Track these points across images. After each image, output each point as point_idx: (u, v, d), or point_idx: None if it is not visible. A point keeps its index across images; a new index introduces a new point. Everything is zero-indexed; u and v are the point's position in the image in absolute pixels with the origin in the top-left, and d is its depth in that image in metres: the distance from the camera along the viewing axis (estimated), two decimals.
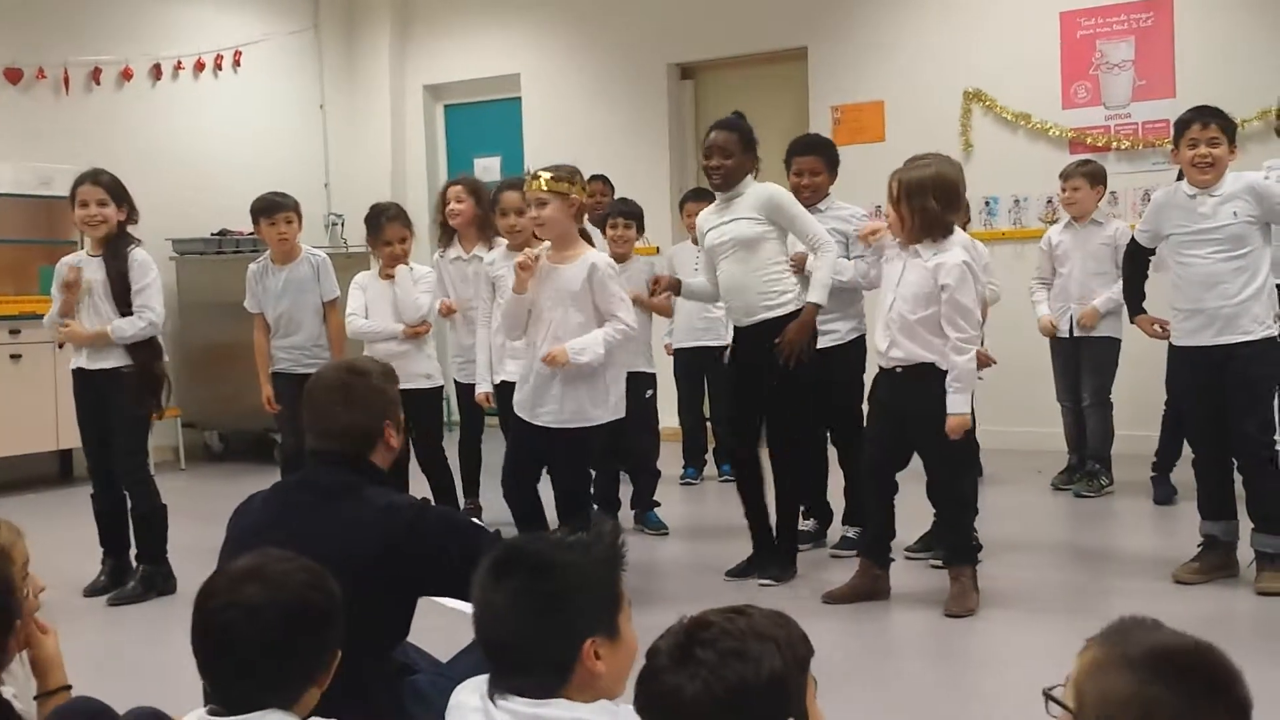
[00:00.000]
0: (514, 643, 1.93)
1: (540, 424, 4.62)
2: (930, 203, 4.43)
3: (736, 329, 5.08)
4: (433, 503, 5.62)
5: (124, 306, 5.05)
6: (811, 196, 5.31)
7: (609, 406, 4.64)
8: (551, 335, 4.57)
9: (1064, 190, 6.49)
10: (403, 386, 5.46)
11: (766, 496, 5.04)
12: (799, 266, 5.19)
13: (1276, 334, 4.60)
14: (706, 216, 5.09)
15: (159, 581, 5.11)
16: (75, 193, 5.08)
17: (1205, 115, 4.64)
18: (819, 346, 5.11)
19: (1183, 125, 4.69)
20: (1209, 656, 1.47)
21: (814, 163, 5.37)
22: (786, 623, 1.68)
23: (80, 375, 5.16)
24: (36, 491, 7.61)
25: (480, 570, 2.00)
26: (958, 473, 4.62)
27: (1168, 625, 1.55)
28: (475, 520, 2.94)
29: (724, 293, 5.01)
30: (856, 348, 5.39)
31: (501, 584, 1.95)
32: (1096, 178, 6.46)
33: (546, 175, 4.58)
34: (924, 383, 4.46)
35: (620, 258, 5.96)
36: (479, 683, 2.00)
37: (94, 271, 5.09)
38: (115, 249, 5.09)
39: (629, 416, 5.20)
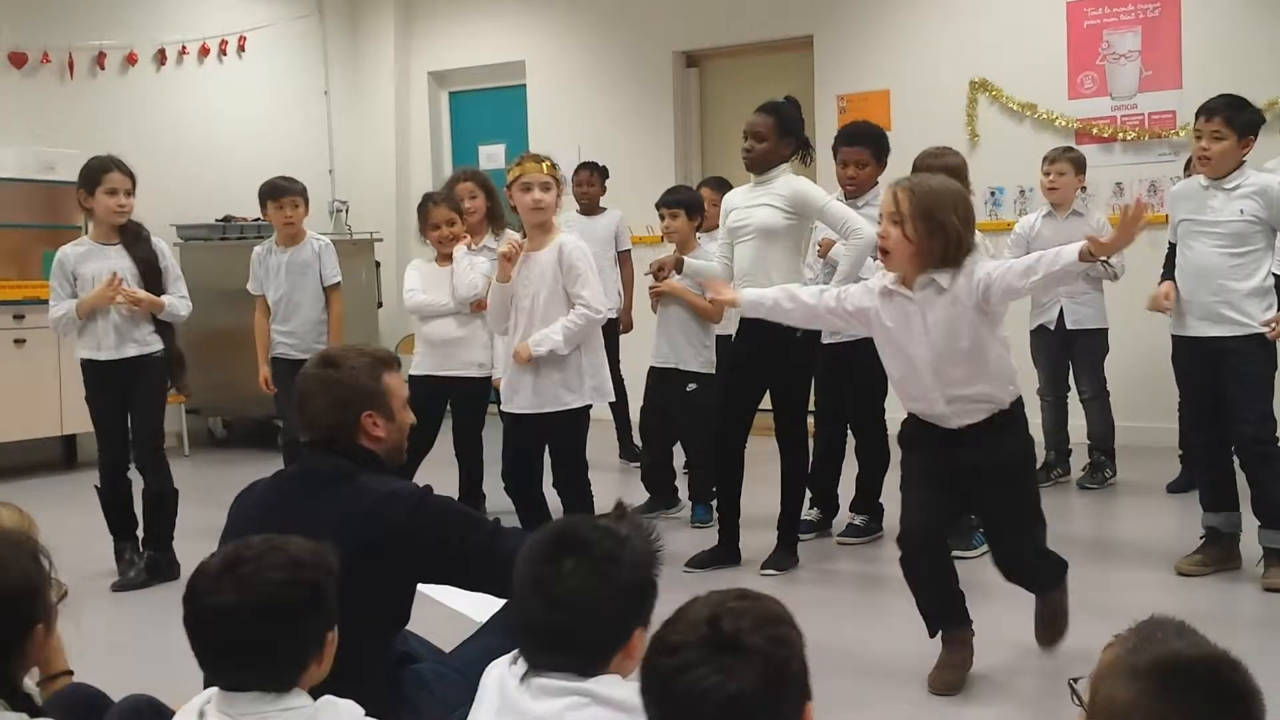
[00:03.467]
0: (568, 623, 1.93)
1: (514, 411, 4.71)
2: (952, 219, 3.49)
3: (741, 317, 5.07)
4: (459, 490, 5.71)
5: (151, 292, 5.08)
6: (855, 190, 5.30)
7: (583, 391, 4.67)
8: (526, 322, 4.65)
9: (1048, 174, 6.27)
10: (453, 373, 5.58)
11: (741, 491, 5.06)
12: (824, 251, 5.21)
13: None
14: (735, 196, 5.06)
15: (164, 568, 5.12)
16: (102, 178, 5.01)
17: (1209, 108, 4.59)
18: (834, 340, 5.14)
19: (1196, 114, 4.67)
20: (1221, 672, 1.44)
21: (859, 154, 5.30)
22: (781, 604, 1.69)
23: (104, 367, 5.08)
24: (40, 477, 7.62)
25: (535, 545, 2.01)
26: (1034, 528, 3.80)
27: (1190, 626, 1.53)
28: (475, 511, 2.92)
29: (736, 276, 5.00)
30: (871, 342, 5.37)
31: (565, 562, 1.95)
32: (1080, 165, 6.31)
33: (548, 162, 4.69)
34: (993, 430, 3.61)
35: (681, 249, 5.83)
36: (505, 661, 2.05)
37: (119, 260, 5.08)
38: (136, 236, 5.12)
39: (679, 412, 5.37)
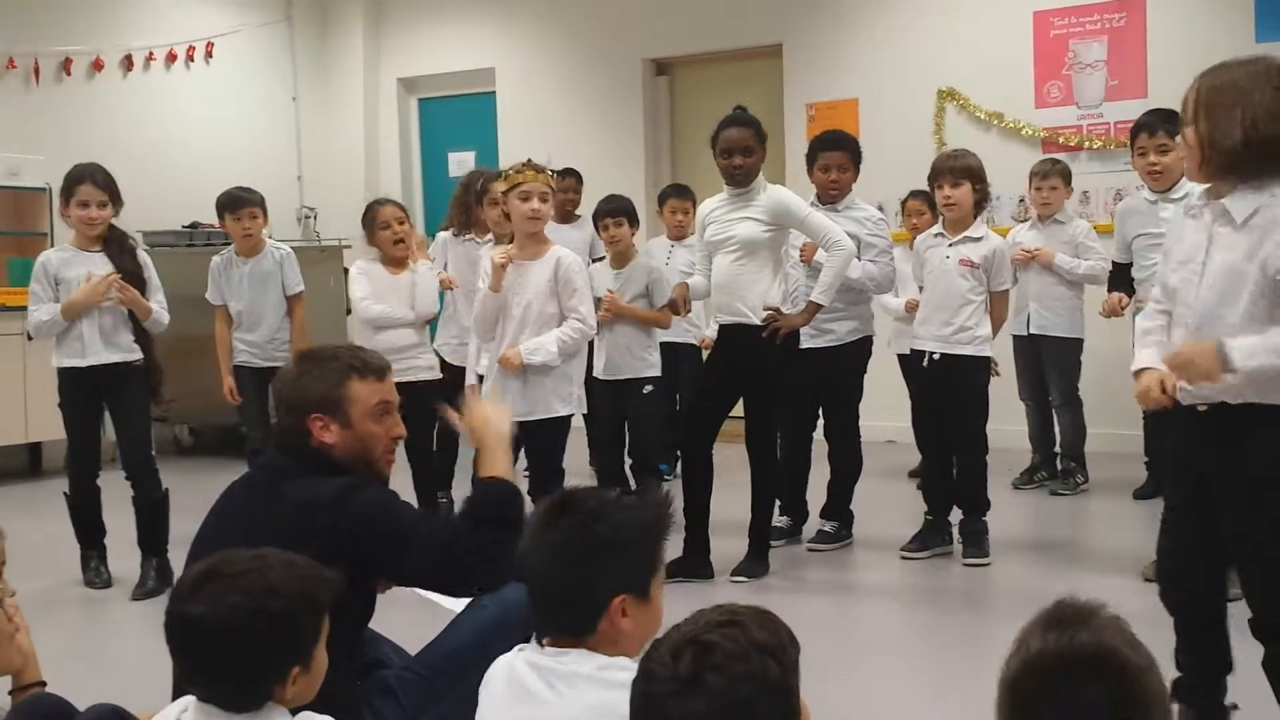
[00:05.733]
0: (550, 584, 2.05)
1: None
2: (1246, 109, 2.63)
3: (719, 326, 5.08)
4: (415, 494, 5.67)
5: None
6: (837, 194, 5.31)
7: (572, 401, 4.72)
8: (515, 330, 4.66)
9: (1040, 190, 6.39)
10: (411, 379, 5.48)
11: (709, 497, 5.01)
12: (806, 257, 5.21)
13: None
14: (714, 209, 5.01)
15: (168, 574, 5.00)
16: (74, 190, 4.96)
17: (1154, 123, 4.65)
18: (817, 346, 5.15)
19: (1134, 133, 4.70)
20: (1109, 661, 1.47)
21: (841, 158, 5.32)
22: (776, 625, 1.67)
23: (84, 374, 5.00)
24: (5, 485, 7.55)
25: (535, 512, 2.13)
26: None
27: (1111, 613, 1.54)
28: (400, 500, 2.79)
29: (713, 286, 5.00)
30: (857, 349, 5.39)
31: (551, 527, 2.06)
32: (1068, 177, 6.46)
33: (548, 173, 4.70)
34: (1267, 427, 2.72)
35: (620, 259, 5.76)
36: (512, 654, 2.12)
37: (103, 267, 5.01)
38: (120, 245, 5.08)
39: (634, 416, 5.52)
